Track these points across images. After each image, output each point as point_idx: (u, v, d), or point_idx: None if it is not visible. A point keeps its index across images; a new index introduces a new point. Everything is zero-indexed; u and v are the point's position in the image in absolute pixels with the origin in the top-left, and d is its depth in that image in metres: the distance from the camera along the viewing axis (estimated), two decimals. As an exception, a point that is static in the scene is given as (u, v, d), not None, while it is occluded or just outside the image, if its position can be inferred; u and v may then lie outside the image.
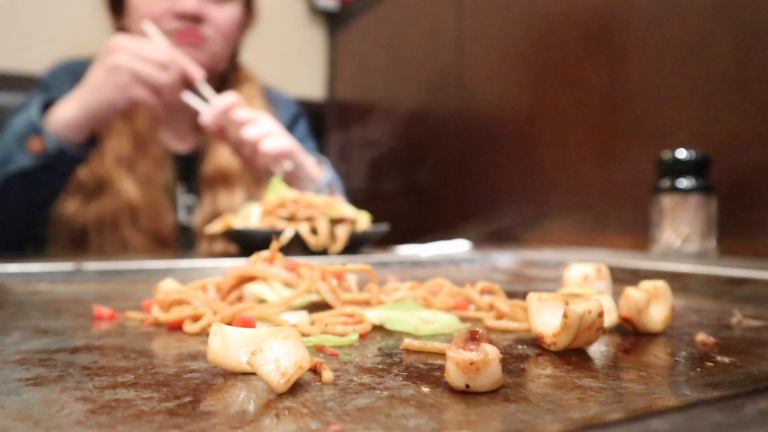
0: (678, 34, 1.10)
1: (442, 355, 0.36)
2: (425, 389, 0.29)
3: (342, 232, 0.94)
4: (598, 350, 0.39)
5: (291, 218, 0.94)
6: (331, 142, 2.27)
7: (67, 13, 1.86)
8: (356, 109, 2.25)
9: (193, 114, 1.19)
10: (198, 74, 1.08)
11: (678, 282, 0.68)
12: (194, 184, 1.30)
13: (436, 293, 0.55)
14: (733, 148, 1.02)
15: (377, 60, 2.14)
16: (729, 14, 1.02)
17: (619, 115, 1.22)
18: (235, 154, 1.13)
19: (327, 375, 0.31)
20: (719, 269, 0.67)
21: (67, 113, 1.03)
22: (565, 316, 0.36)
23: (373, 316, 0.45)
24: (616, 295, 0.46)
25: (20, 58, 1.79)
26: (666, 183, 0.97)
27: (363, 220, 1.01)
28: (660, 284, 0.44)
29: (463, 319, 0.49)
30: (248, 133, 1.06)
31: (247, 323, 0.42)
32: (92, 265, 0.75)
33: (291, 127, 1.41)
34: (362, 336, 0.43)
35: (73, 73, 1.27)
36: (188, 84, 1.10)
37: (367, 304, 0.49)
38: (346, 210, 0.98)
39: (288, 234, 0.89)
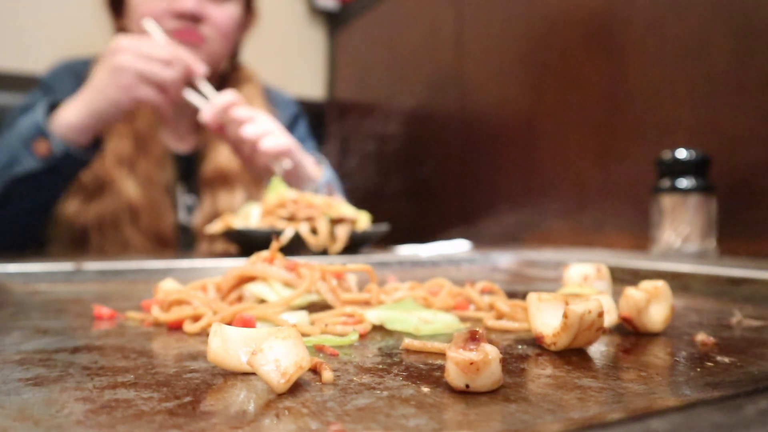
0: (678, 34, 1.10)
1: (442, 355, 0.36)
2: (425, 389, 0.29)
3: (342, 232, 0.94)
4: (598, 350, 0.39)
5: (291, 218, 0.94)
6: (331, 142, 2.27)
7: (67, 13, 1.86)
8: (356, 109, 2.25)
9: (193, 114, 1.19)
10: (201, 70, 1.08)
11: (678, 282, 0.68)
12: (194, 184, 1.30)
13: (436, 293, 0.55)
14: (733, 148, 1.02)
15: (377, 60, 2.14)
16: (729, 14, 1.02)
17: (619, 115, 1.22)
18: (234, 153, 1.13)
19: (327, 375, 0.31)
20: (719, 269, 0.67)
21: (72, 116, 1.03)
22: (565, 316, 0.36)
23: (373, 316, 0.45)
24: (616, 295, 0.46)
25: (20, 58, 1.79)
26: (666, 183, 0.97)
27: (363, 220, 1.01)
28: (660, 284, 0.44)
29: (463, 319, 0.49)
30: (247, 131, 1.06)
31: (247, 323, 0.42)
32: (92, 265, 0.75)
33: (291, 127, 1.41)
34: (362, 336, 0.43)
35: (74, 72, 1.27)
36: (189, 82, 1.10)
37: (367, 304, 0.49)
38: (346, 210, 0.98)
39: (288, 234, 0.89)
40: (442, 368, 0.33)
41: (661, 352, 0.38)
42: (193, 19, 1.19)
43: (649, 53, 1.16)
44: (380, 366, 0.34)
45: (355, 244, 0.97)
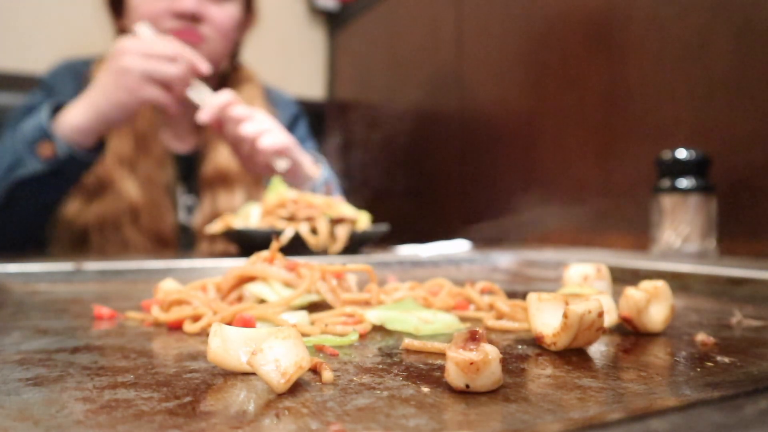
0: (678, 34, 1.10)
1: (442, 355, 0.36)
2: (425, 389, 0.29)
3: (342, 232, 0.94)
4: (598, 350, 0.39)
5: (291, 218, 0.94)
6: (331, 142, 2.27)
7: (67, 13, 1.86)
8: (356, 109, 2.25)
9: (193, 114, 1.19)
10: (205, 68, 1.08)
11: (678, 282, 0.68)
12: (194, 185, 1.30)
13: (436, 293, 0.55)
14: (733, 148, 1.02)
15: (377, 60, 2.14)
16: (729, 14, 1.02)
17: (619, 115, 1.22)
18: (233, 151, 1.13)
19: (327, 375, 0.31)
20: (719, 269, 0.67)
21: (77, 118, 1.03)
22: (565, 316, 0.36)
23: (373, 316, 0.45)
24: (616, 295, 0.46)
25: (20, 58, 1.79)
26: (666, 183, 0.97)
27: (363, 220, 1.01)
28: (660, 284, 0.44)
29: (463, 319, 0.49)
30: (246, 129, 1.06)
31: (247, 323, 0.42)
32: (92, 265, 0.75)
33: (291, 127, 1.41)
34: (362, 336, 0.43)
35: (74, 72, 1.27)
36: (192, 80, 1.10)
37: (367, 304, 0.49)
38: (346, 210, 0.98)
39: (288, 234, 0.89)
40: (442, 368, 0.33)
41: (661, 352, 0.38)
42: (193, 18, 1.20)
43: (649, 53, 1.16)
44: (380, 366, 0.34)
45: (355, 244, 0.97)
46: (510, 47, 1.52)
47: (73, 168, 1.05)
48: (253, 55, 1.57)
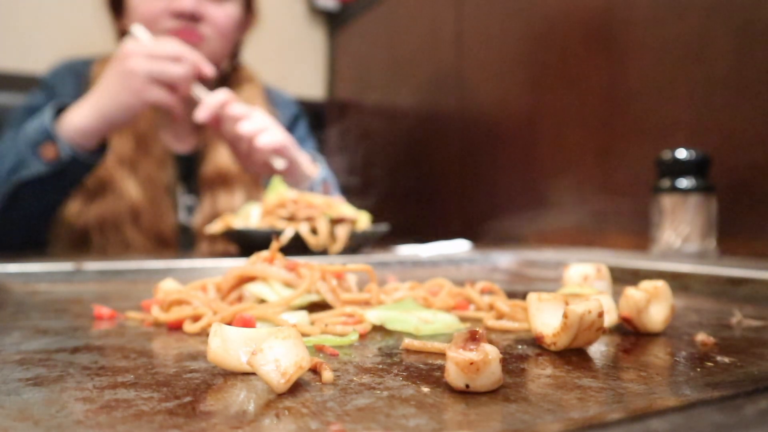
0: (678, 34, 1.10)
1: (442, 355, 0.36)
2: (425, 389, 0.29)
3: (342, 232, 0.94)
4: (598, 350, 0.39)
5: (291, 218, 0.94)
6: (330, 142, 2.27)
7: (67, 13, 1.86)
8: (356, 109, 2.25)
9: (192, 114, 1.19)
10: (209, 70, 1.08)
11: (678, 282, 0.68)
12: (194, 185, 1.30)
13: (436, 293, 0.55)
14: (733, 148, 1.02)
15: (377, 60, 2.14)
16: (729, 14, 1.02)
17: (619, 114, 1.22)
18: (231, 150, 1.13)
19: (327, 375, 0.31)
20: (719, 269, 0.67)
21: (81, 120, 1.03)
22: (565, 316, 0.36)
23: (373, 316, 0.45)
24: (616, 295, 0.46)
25: (20, 58, 1.79)
26: (666, 183, 0.97)
27: (363, 220, 1.01)
28: (660, 284, 0.44)
29: (463, 319, 0.49)
30: (243, 128, 1.06)
31: (247, 323, 0.42)
32: (92, 265, 0.75)
33: (291, 127, 1.41)
34: (362, 336, 0.42)
35: (74, 72, 1.27)
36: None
37: (367, 304, 0.49)
38: (346, 210, 0.98)
39: (288, 234, 0.89)
40: (442, 368, 0.33)
41: (661, 352, 0.38)
42: (192, 18, 1.20)
43: (649, 53, 1.16)
44: (380, 366, 0.34)
45: (355, 244, 0.97)
46: (510, 47, 1.52)
47: (76, 170, 1.05)
48: (253, 55, 1.57)
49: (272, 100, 1.43)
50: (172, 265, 0.78)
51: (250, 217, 0.97)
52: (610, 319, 0.44)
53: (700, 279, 0.67)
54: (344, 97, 2.35)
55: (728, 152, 1.02)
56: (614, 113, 1.23)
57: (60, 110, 1.06)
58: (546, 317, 0.38)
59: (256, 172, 1.16)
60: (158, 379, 0.31)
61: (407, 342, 0.38)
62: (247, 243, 0.92)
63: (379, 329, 0.45)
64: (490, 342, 0.34)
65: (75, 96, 1.16)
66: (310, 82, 2.38)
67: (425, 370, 0.33)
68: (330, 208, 0.95)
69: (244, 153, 1.09)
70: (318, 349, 0.38)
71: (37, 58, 1.71)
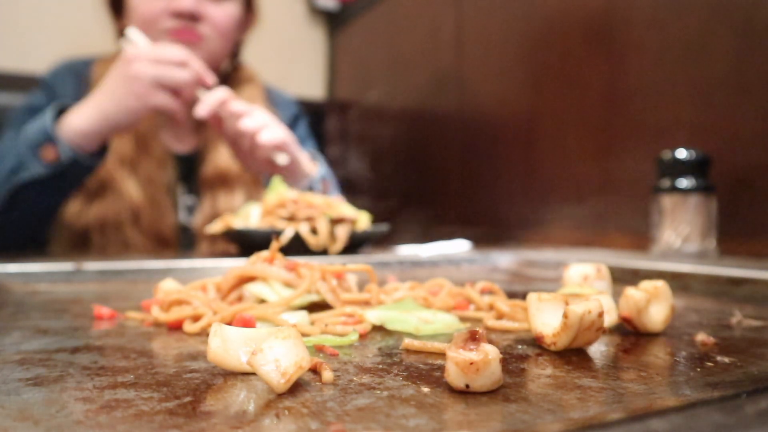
0: (678, 34, 1.10)
1: (442, 355, 0.36)
2: (425, 389, 0.29)
3: (342, 232, 0.94)
4: (598, 350, 0.39)
5: (291, 218, 0.94)
6: (331, 142, 2.27)
7: (67, 13, 1.86)
8: (356, 109, 2.25)
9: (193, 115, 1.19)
10: (212, 81, 1.08)
11: (678, 282, 0.68)
12: (194, 185, 1.30)
13: (436, 293, 0.55)
14: (733, 148, 1.02)
15: (377, 60, 2.14)
16: (729, 14, 1.02)
17: (619, 114, 1.22)
18: (232, 148, 1.13)
19: (327, 375, 0.31)
20: (719, 269, 0.67)
21: (82, 122, 1.03)
22: (565, 316, 0.36)
23: (373, 316, 0.45)
24: (616, 295, 0.46)
25: (20, 58, 1.79)
26: (666, 183, 0.97)
27: (363, 220, 1.01)
28: (660, 284, 0.44)
29: (463, 319, 0.49)
30: (245, 125, 1.06)
31: (247, 323, 0.42)
32: (92, 265, 0.75)
33: (291, 127, 1.41)
34: (362, 336, 0.43)
35: (74, 72, 1.27)
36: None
37: (367, 304, 0.49)
38: (346, 210, 0.98)
39: (288, 234, 0.89)
40: (442, 368, 0.33)
41: (661, 352, 0.38)
42: (192, 18, 1.19)
43: (649, 53, 1.16)
44: (380, 366, 0.34)
45: (355, 244, 0.97)
46: (510, 47, 1.52)
47: (76, 172, 1.05)
48: (253, 55, 1.57)
49: (272, 100, 1.43)
50: (172, 265, 0.78)
51: (250, 217, 0.97)
52: (610, 319, 0.44)
53: (700, 279, 0.67)
54: (344, 97, 2.35)
55: (728, 152, 1.02)
56: (614, 113, 1.23)
57: (61, 112, 1.05)
58: (546, 317, 0.38)
59: (257, 170, 1.16)
60: (158, 379, 0.31)
61: (407, 342, 0.38)
62: (247, 243, 0.92)
63: (379, 329, 0.45)
64: (490, 342, 0.34)
65: (75, 96, 1.16)
66: (310, 82, 2.38)
67: (425, 370, 0.33)
68: (330, 208, 0.95)
69: (245, 150, 1.09)
70: (318, 349, 0.38)
71: (37, 58, 1.71)
